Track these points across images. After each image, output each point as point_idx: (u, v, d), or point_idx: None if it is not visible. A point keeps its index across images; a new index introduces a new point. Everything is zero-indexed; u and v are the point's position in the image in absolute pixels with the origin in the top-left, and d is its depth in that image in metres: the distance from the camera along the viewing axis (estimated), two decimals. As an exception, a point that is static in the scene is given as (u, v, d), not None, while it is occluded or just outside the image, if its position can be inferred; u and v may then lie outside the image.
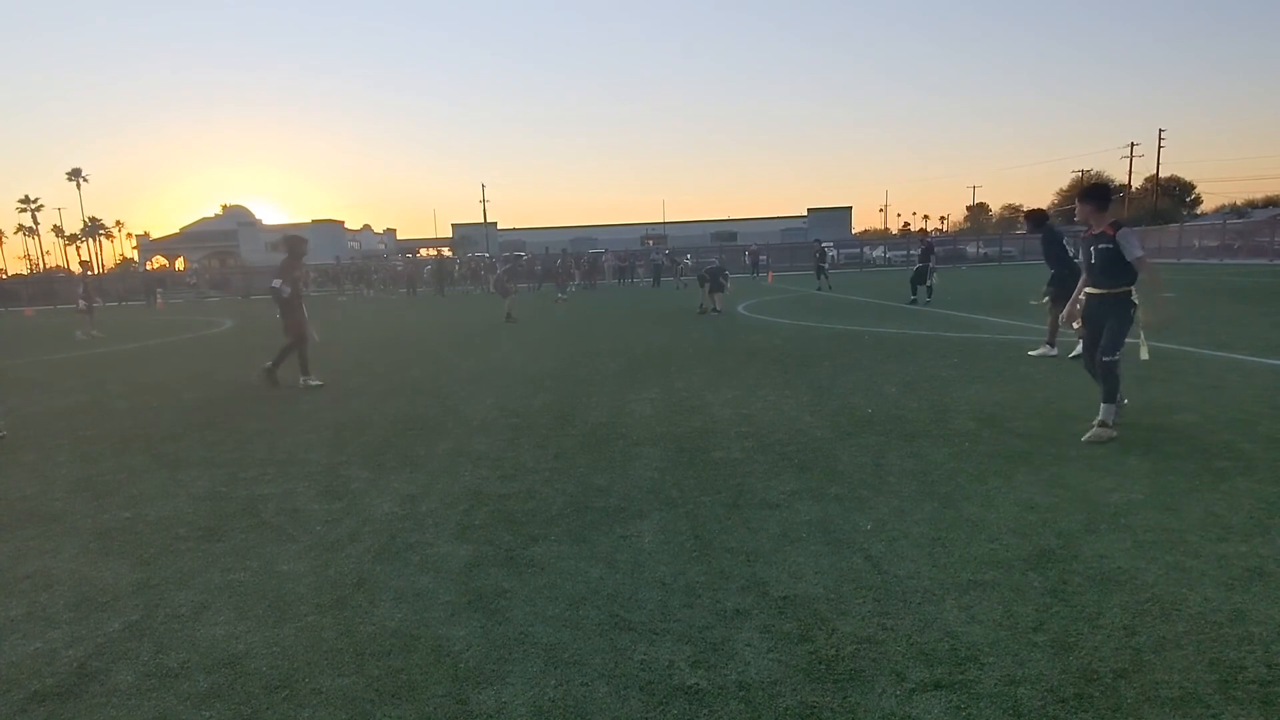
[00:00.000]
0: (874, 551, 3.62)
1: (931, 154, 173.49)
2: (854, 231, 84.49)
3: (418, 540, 4.04)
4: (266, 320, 22.33)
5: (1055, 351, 9.17)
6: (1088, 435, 5.35)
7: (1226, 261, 37.83)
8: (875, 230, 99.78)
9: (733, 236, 75.56)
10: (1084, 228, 5.68)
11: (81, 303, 19.36)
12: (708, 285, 17.99)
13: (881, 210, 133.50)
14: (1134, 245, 5.29)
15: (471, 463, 5.52)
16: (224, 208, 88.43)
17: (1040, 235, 9.51)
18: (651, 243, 68.29)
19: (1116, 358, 5.33)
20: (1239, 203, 73.67)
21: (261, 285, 44.41)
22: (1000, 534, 3.76)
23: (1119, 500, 4.15)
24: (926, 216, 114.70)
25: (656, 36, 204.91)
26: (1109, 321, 5.39)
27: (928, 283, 18.30)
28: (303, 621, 3.17)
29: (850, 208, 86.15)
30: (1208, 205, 77.33)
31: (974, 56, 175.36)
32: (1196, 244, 43.55)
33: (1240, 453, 4.94)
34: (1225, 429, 5.51)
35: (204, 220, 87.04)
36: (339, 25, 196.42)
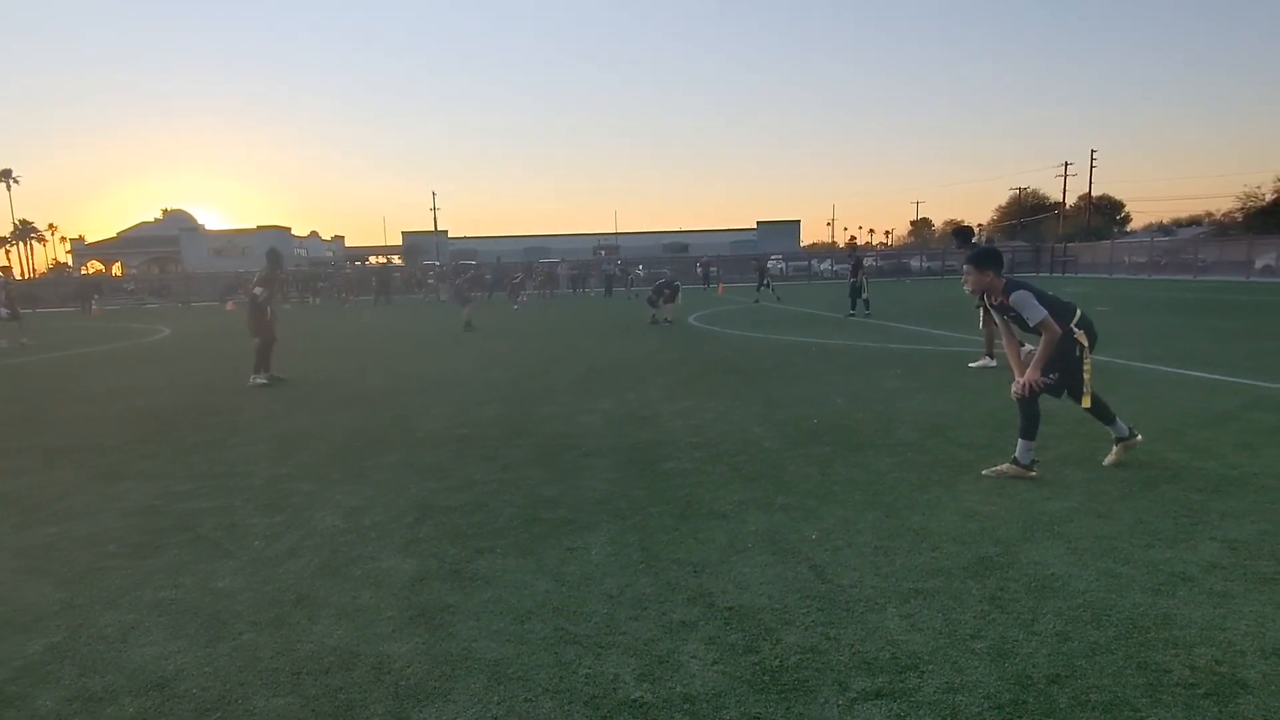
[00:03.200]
0: (819, 561, 3.66)
1: (876, 169, 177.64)
2: (802, 244, 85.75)
3: (361, 555, 3.95)
4: (209, 327, 21.71)
5: (994, 363, 9.42)
6: (990, 470, 4.99)
7: (1154, 277, 39.44)
8: (823, 243, 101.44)
9: (684, 248, 75.93)
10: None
11: (3, 310, 18.45)
12: (663, 296, 18.11)
13: (829, 224, 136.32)
14: (1032, 310, 4.81)
15: (419, 475, 5.43)
16: (165, 212, 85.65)
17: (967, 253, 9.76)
18: (604, 253, 68.30)
19: (1048, 380, 4.95)
20: (1165, 221, 76.94)
21: (204, 292, 43.24)
22: (942, 542, 3.84)
23: (1055, 509, 4.27)
24: (871, 230, 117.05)
25: (608, 48, 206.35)
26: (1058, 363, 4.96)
27: (863, 295, 18.59)
28: (238, 640, 3.07)
29: (799, 221, 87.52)
30: (1137, 223, 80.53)
31: (917, 76, 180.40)
32: (1127, 260, 45.32)
33: (1168, 462, 5.13)
34: (1155, 439, 5.71)
35: (143, 225, 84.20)
36: (286, 28, 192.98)
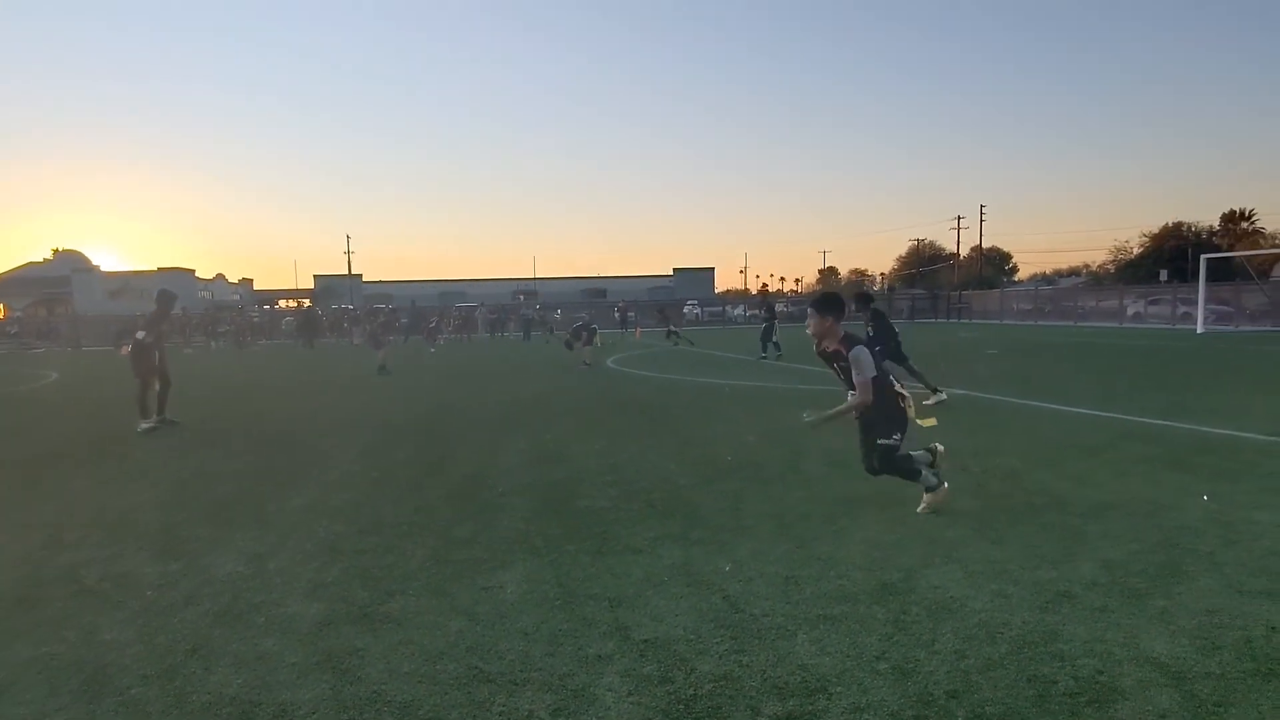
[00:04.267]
0: (732, 591, 3.74)
1: (786, 220, 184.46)
2: (717, 291, 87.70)
3: (263, 600, 3.79)
4: (100, 372, 20.46)
5: (945, 397, 9.89)
6: (920, 507, 4.98)
7: (1040, 323, 42.13)
8: (736, 290, 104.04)
9: (602, 293, 76.50)
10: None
11: None
12: (581, 339, 18.22)
13: (742, 271, 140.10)
14: (865, 368, 4.83)
15: (327, 517, 5.26)
16: (55, 252, 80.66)
17: (867, 315, 10.32)
18: (523, 298, 68.12)
19: (893, 442, 4.94)
20: (1048, 272, 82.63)
21: (96, 335, 40.73)
22: (848, 570, 3.98)
23: (952, 536, 4.50)
24: (782, 278, 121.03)
25: (523, 96, 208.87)
26: (878, 418, 4.99)
27: (774, 338, 19.12)
28: (124, 696, 2.89)
29: (713, 268, 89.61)
30: (1023, 273, 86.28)
31: (822, 130, 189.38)
32: (1015, 307, 48.27)
33: (1052, 490, 5.48)
34: (1040, 469, 6.11)
35: (31, 265, 79.01)
36: (189, 66, 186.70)
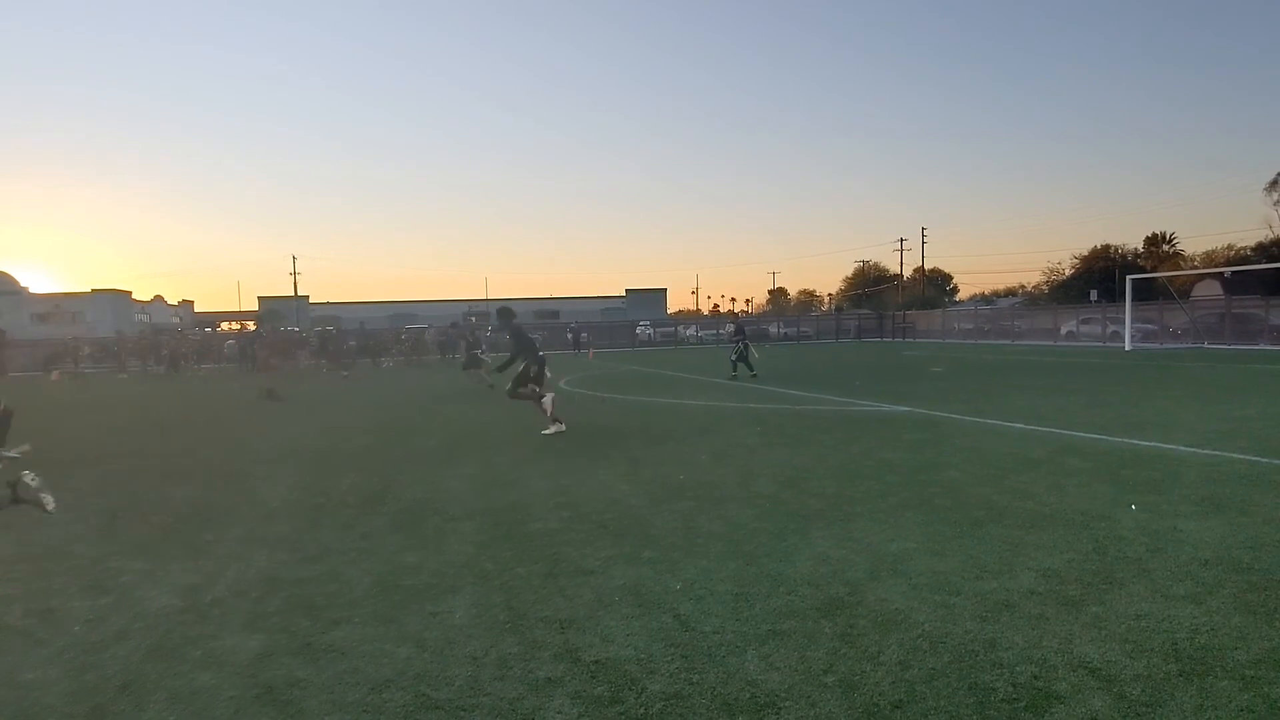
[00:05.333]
0: (682, 610, 3.75)
1: (736, 241, 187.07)
2: (669, 311, 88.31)
3: (199, 634, 3.66)
4: (24, 399, 19.58)
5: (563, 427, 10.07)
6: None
7: (980, 342, 43.36)
8: (689, 310, 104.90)
9: (555, 314, 76.40)
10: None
11: None
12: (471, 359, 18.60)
13: (694, 292, 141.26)
14: None
15: (267, 547, 5.11)
16: (-21, 273, 77.16)
17: (509, 328, 10.65)
18: (474, 319, 67.56)
19: None
20: (987, 292, 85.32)
21: (22, 361, 39.03)
22: (797, 586, 4.02)
23: (897, 549, 4.59)
24: (734, 299, 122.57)
25: (474, 112, 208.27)
26: None
27: (747, 358, 19.16)
28: (50, 736, 2.77)
29: (665, 289, 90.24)
30: (964, 294, 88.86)
31: (767, 151, 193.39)
32: (956, 326, 49.63)
33: (993, 504, 5.63)
34: (982, 484, 6.27)
35: (-50, 287, 75.40)
36: (125, 67, 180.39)
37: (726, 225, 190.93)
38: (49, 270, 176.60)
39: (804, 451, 8.17)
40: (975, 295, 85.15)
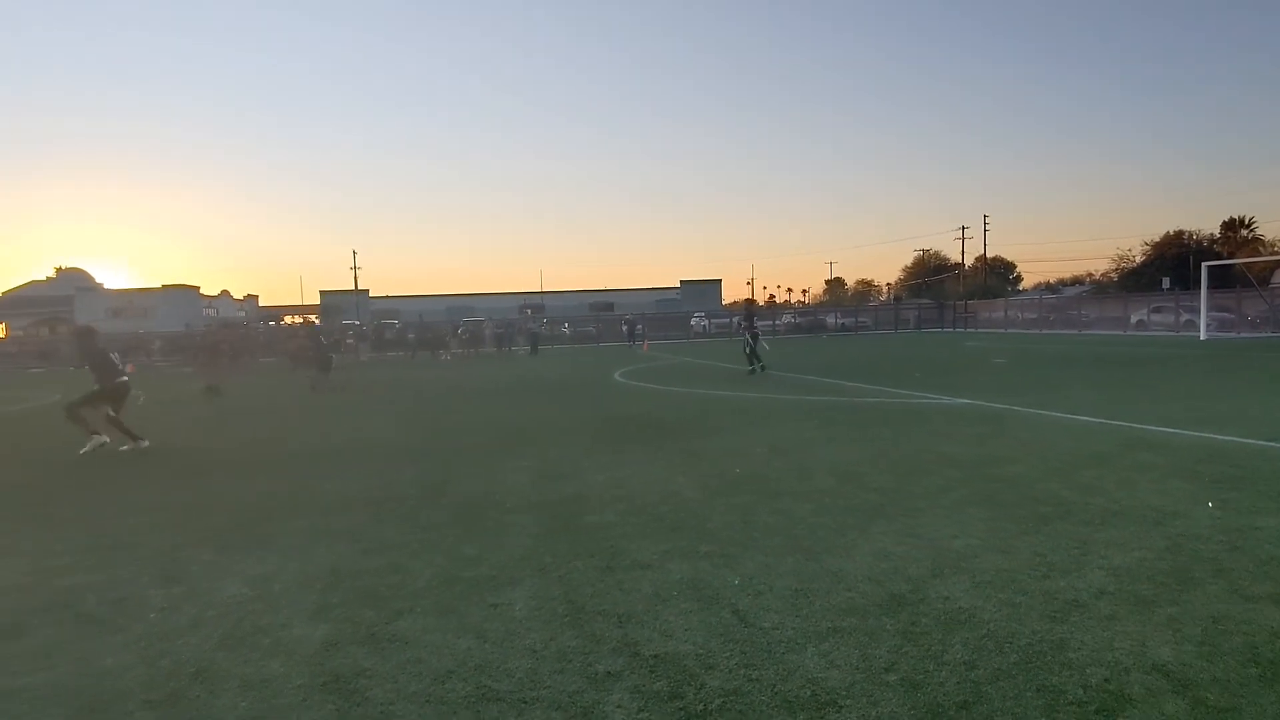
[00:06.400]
0: (742, 606, 3.72)
1: (793, 231, 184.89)
2: (724, 303, 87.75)
3: (268, 623, 3.77)
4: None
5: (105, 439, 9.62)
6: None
7: (1044, 332, 41.99)
8: (744, 301, 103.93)
9: (609, 306, 76.67)
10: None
11: None
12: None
13: (749, 283, 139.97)
14: None
15: (331, 539, 5.24)
16: (58, 270, 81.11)
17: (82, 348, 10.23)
18: (529, 312, 68.27)
19: None
20: (1052, 281, 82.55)
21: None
22: (857, 582, 3.95)
23: (961, 546, 4.47)
24: (789, 289, 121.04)
25: (531, 106, 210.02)
26: None
27: (754, 351, 18.11)
28: (128, 721, 2.87)
29: (720, 280, 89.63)
30: (1027, 282, 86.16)
31: (828, 139, 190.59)
32: (1020, 316, 48.17)
33: (1060, 499, 5.45)
34: (1048, 479, 6.07)
35: (33, 284, 79.40)
36: (195, 79, 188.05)
37: (783, 215, 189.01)
38: (121, 267, 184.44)
39: (862, 445, 8.03)
40: (1040, 284, 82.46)
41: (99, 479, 7.95)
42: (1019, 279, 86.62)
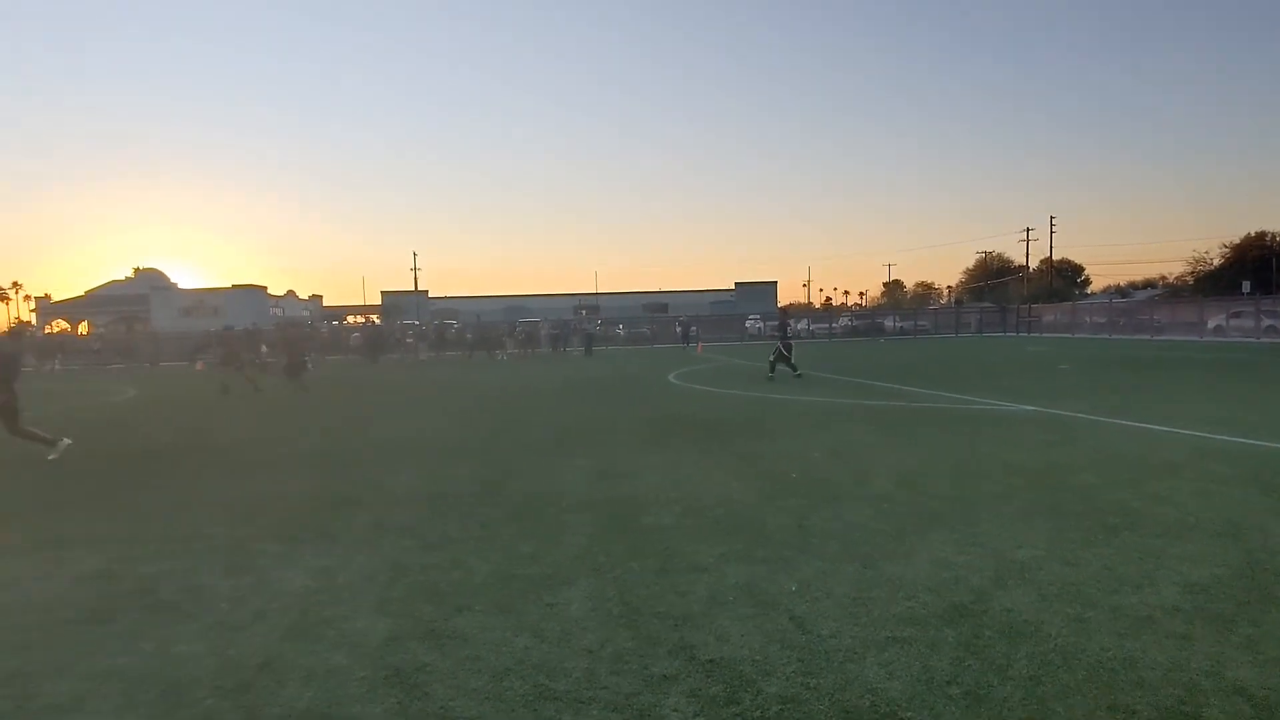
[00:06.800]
0: (799, 612, 3.68)
1: (850, 232, 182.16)
2: (780, 304, 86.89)
3: (332, 615, 3.88)
4: (172, 389, 21.34)
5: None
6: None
7: (1114, 337, 40.51)
8: (799, 303, 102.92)
9: (664, 308, 76.60)
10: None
11: None
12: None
13: (805, 285, 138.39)
14: None
15: (392, 534, 5.37)
16: (136, 270, 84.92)
17: None
18: (584, 312, 68.72)
19: None
20: (1122, 284, 79.56)
21: (171, 352, 42.34)
22: (917, 591, 3.88)
23: (1025, 556, 4.35)
24: (846, 292, 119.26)
25: (587, 110, 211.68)
26: None
27: (789, 358, 17.66)
28: (199, 707, 2.97)
29: (775, 282, 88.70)
30: (1096, 285, 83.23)
31: (886, 140, 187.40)
32: (1087, 320, 46.57)
33: (1130, 510, 5.26)
34: (1116, 488, 5.86)
35: (113, 283, 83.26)
36: (264, 86, 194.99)
37: (840, 216, 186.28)
38: (194, 267, 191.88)
39: (921, 450, 7.87)
40: (1109, 287, 79.64)
41: (172, 472, 8.28)
42: (1087, 282, 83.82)
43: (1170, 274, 73.25)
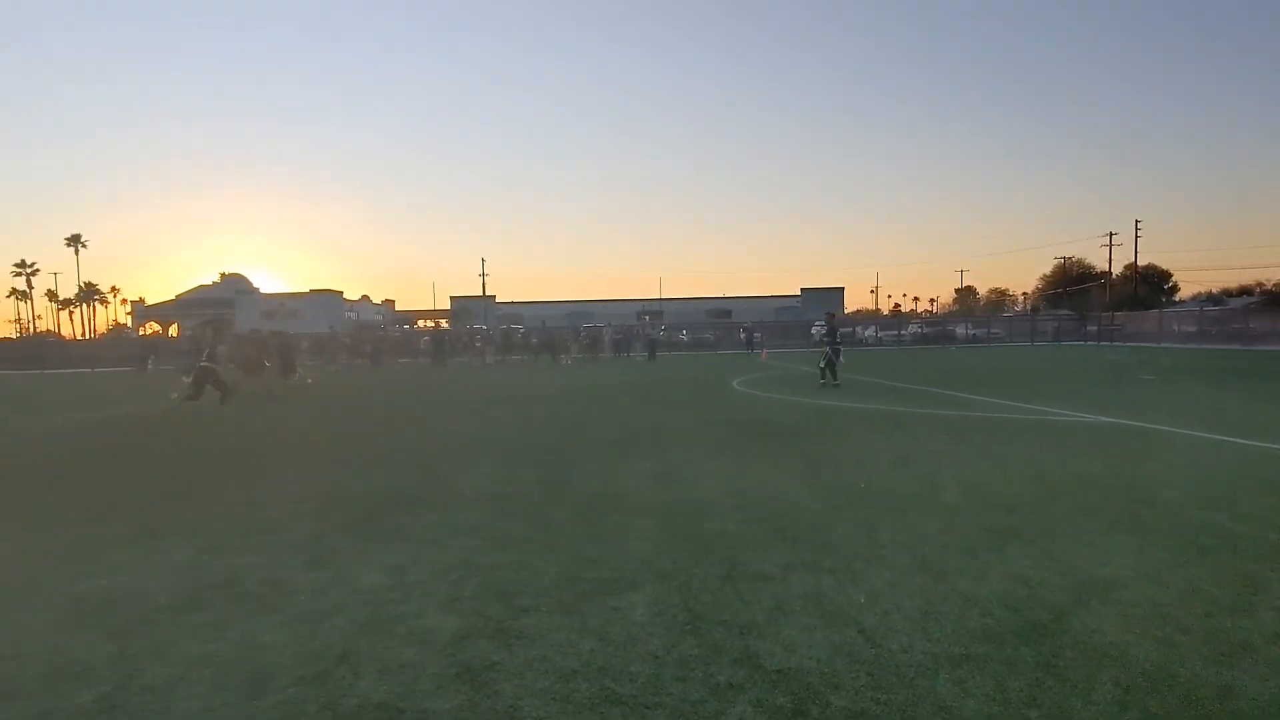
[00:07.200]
0: (867, 624, 3.61)
1: (920, 237, 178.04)
2: (846, 311, 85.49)
3: (404, 611, 3.98)
4: (253, 389, 22.23)
5: None
6: None
7: (1205, 347, 38.48)
8: (867, 310, 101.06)
9: (727, 314, 76.29)
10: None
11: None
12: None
13: (873, 291, 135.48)
14: None
15: (460, 533, 5.48)
16: (222, 275, 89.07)
17: None
18: (648, 318, 68.92)
19: None
20: (1214, 291, 75.54)
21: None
22: (992, 607, 3.76)
23: (1107, 575, 4.17)
24: (915, 298, 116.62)
25: (655, 114, 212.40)
26: None
27: (826, 362, 17.62)
28: (282, 695, 3.10)
29: (842, 288, 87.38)
30: (1185, 292, 79.17)
31: (959, 143, 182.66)
32: (1176, 329, 44.40)
33: (1223, 529, 4.98)
34: (1208, 507, 5.56)
35: (201, 288, 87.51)
36: (340, 94, 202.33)
37: (910, 220, 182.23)
38: (272, 272, 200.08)
39: (995, 462, 7.63)
40: (1199, 294, 75.70)
41: (259, 467, 8.63)
42: (1175, 289, 79.88)
43: (1268, 280, 69.30)
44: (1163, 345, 40.95)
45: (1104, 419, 10.67)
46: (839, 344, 18.12)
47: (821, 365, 18.05)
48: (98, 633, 3.81)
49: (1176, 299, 74.98)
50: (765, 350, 40.71)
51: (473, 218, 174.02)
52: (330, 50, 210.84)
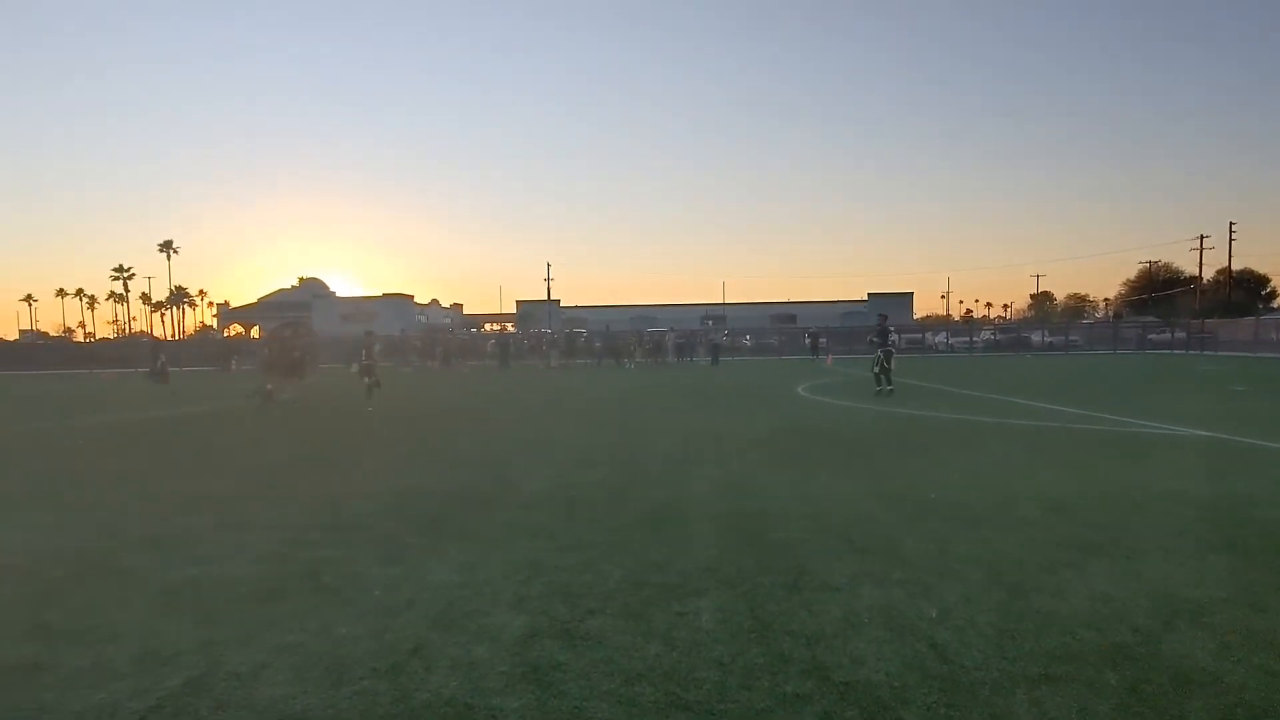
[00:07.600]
0: (940, 639, 3.51)
1: (993, 241, 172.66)
2: (916, 317, 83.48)
3: (474, 609, 4.06)
4: (331, 390, 22.99)
5: None
6: None
7: (1308, 355, 36.18)
8: (937, 316, 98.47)
9: (792, 319, 75.47)
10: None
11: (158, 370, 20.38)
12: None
13: (944, 296, 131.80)
14: None
15: (528, 534, 5.56)
16: (300, 280, 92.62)
17: None
18: (711, 323, 68.67)
19: None
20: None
21: (331, 355, 45.71)
22: (1073, 627, 3.61)
23: (1200, 596, 3.95)
24: (989, 304, 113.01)
25: (721, 117, 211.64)
26: None
27: (879, 368, 16.94)
28: (359, 685, 3.20)
29: (911, 293, 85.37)
30: (1286, 299, 74.65)
31: (1033, 143, 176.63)
32: (1274, 337, 41.89)
33: (1332, 553, 4.67)
34: (1315, 528, 5.22)
35: (281, 291, 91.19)
36: (414, 106, 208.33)
37: (982, 223, 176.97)
38: (352, 277, 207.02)
39: (1074, 475, 7.32)
40: (1300, 300, 71.28)
41: (338, 464, 8.94)
42: (1273, 295, 75.42)
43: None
44: (1259, 355, 38.68)
45: (1195, 432, 10.14)
46: (890, 348, 17.36)
47: (875, 371, 17.29)
48: (188, 620, 4.00)
49: (1274, 305, 70.74)
50: (830, 355, 40.08)
51: (538, 223, 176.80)
52: (407, 62, 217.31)
